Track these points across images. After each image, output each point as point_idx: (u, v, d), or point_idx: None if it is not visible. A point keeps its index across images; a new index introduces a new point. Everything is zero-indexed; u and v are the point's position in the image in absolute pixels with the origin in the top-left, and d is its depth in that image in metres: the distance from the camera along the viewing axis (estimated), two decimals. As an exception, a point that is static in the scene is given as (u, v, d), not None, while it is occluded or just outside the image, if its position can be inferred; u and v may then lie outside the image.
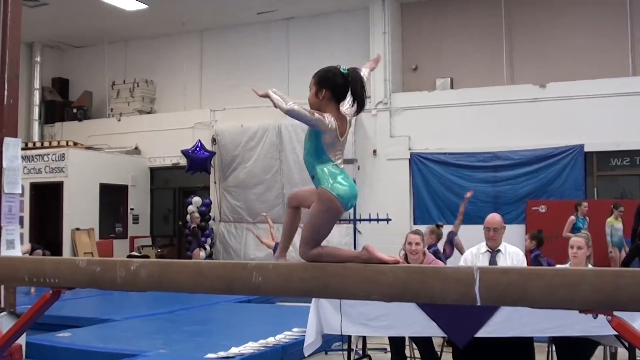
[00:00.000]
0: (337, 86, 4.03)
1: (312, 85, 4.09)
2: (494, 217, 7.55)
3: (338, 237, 18.49)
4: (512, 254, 7.35)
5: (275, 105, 3.89)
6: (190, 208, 19.72)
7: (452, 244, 13.11)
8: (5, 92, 7.95)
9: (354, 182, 4.15)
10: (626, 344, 5.95)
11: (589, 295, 3.28)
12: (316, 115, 3.93)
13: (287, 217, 4.25)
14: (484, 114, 18.20)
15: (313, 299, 6.59)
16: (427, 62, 19.98)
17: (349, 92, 4.08)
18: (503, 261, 7.27)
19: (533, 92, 17.88)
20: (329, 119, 3.96)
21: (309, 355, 7.47)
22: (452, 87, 19.22)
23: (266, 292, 4.12)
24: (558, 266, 6.57)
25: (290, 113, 3.88)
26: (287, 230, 4.26)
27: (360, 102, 4.08)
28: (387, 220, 16.08)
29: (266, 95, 3.93)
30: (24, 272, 4.90)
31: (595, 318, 3.45)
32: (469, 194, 14.08)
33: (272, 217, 19.56)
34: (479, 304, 3.47)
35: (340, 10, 20.54)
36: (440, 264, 7.57)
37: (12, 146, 7.98)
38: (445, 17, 19.83)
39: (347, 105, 4.14)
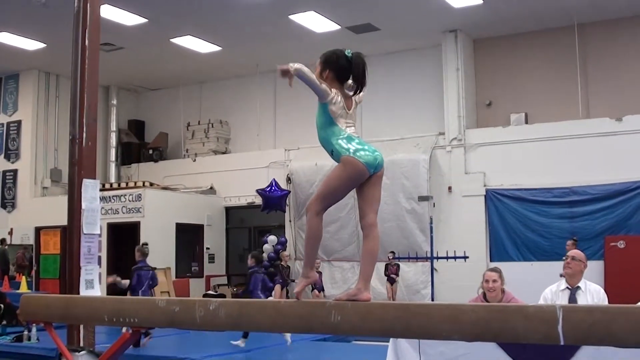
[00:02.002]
0: (341, 68, 4.23)
1: (318, 64, 4.30)
2: (575, 250, 7.59)
3: (414, 275, 18.37)
4: (593, 291, 7.17)
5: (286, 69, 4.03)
6: (267, 247, 19.75)
7: None
8: (84, 135, 8.14)
9: (377, 151, 4.19)
10: None
11: (678, 334, 3.18)
12: (323, 85, 4.13)
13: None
14: (559, 149, 17.96)
15: (391, 338, 6.52)
16: (501, 98, 19.84)
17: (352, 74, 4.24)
18: (583, 299, 7.10)
19: (609, 126, 17.58)
20: (334, 93, 4.16)
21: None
22: (526, 122, 19.02)
23: (345, 331, 4.10)
24: (641, 304, 6.41)
25: (298, 73, 4.03)
26: (369, 260, 4.23)
27: (359, 85, 4.25)
28: (465, 257, 15.94)
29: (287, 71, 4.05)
30: (104, 312, 4.96)
31: (684, 357, 3.36)
32: None
33: (346, 254, 19.78)
34: (562, 343, 3.39)
35: (414, 48, 20.54)
36: (520, 301, 7.44)
37: (91, 187, 8.14)
38: (518, 51, 19.68)
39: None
